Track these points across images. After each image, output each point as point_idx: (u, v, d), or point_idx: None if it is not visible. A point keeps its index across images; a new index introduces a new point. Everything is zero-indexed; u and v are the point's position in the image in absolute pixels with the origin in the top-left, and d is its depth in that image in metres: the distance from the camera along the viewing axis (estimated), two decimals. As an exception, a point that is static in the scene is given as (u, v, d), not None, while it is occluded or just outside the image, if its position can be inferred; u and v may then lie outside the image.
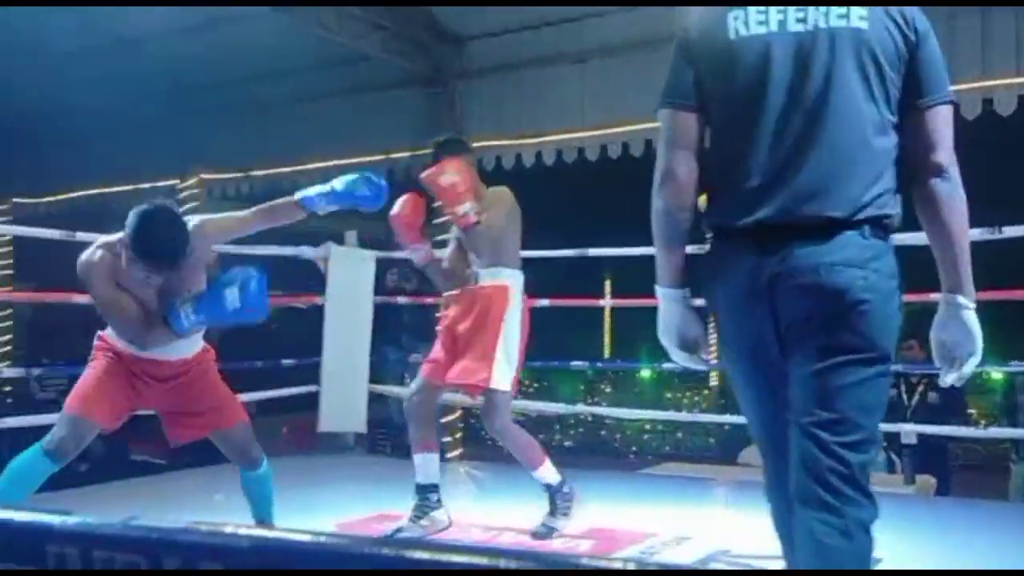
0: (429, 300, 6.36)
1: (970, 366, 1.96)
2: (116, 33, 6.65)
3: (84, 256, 3.07)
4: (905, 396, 6.27)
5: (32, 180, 9.46)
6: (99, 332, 3.22)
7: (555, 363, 7.44)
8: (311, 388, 5.87)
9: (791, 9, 1.89)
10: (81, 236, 4.66)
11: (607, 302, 7.83)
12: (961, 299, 1.94)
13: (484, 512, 4.47)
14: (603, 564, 0.44)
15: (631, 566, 0.44)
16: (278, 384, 6.01)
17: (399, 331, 6.33)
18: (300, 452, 7.07)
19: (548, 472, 3.87)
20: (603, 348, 14.96)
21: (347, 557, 0.40)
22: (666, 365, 8.18)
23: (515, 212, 3.91)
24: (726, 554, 3.61)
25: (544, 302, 5.58)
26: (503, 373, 3.69)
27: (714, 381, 11.76)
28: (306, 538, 0.40)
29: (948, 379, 2.01)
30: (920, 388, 6.26)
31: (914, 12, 1.91)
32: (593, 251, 5.59)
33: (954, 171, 1.91)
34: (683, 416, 8.35)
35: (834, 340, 1.86)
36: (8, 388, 8.23)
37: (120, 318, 3.00)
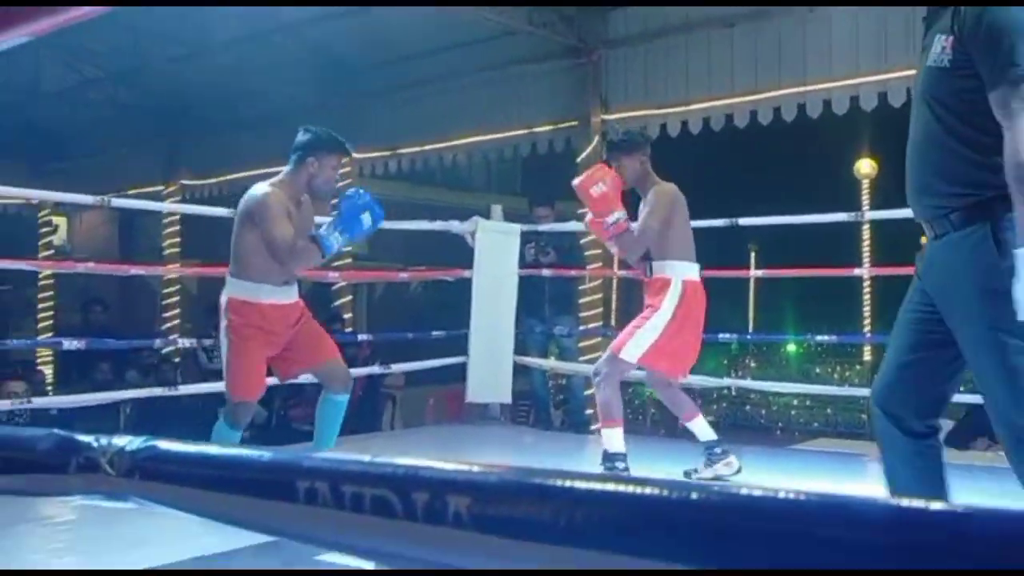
0: (572, 272, 6.39)
1: None
2: (275, 19, 6.94)
3: (258, 193, 3.51)
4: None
5: (198, 163, 10.03)
6: (226, 299, 3.58)
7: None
8: (459, 359, 6.00)
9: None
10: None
11: (753, 273, 7.63)
12: None
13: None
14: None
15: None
16: (426, 356, 6.18)
17: (542, 304, 6.38)
18: (446, 422, 7.27)
19: (611, 440, 4.07)
20: (748, 320, 14.64)
21: (577, 492, 0.43)
22: (818, 338, 7.97)
23: (674, 209, 4.04)
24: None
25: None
26: (635, 347, 3.94)
27: (867, 356, 11.32)
28: (550, 475, 0.43)
29: None
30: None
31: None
32: (744, 220, 5.44)
33: None
34: (836, 390, 8.08)
35: None
36: (177, 360, 8.78)
37: (286, 245, 3.40)
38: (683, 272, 4.02)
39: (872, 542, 0.34)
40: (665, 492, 0.39)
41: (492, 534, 0.42)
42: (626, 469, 4.04)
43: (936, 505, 0.35)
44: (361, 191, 3.54)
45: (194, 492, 0.57)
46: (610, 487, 0.42)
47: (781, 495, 0.37)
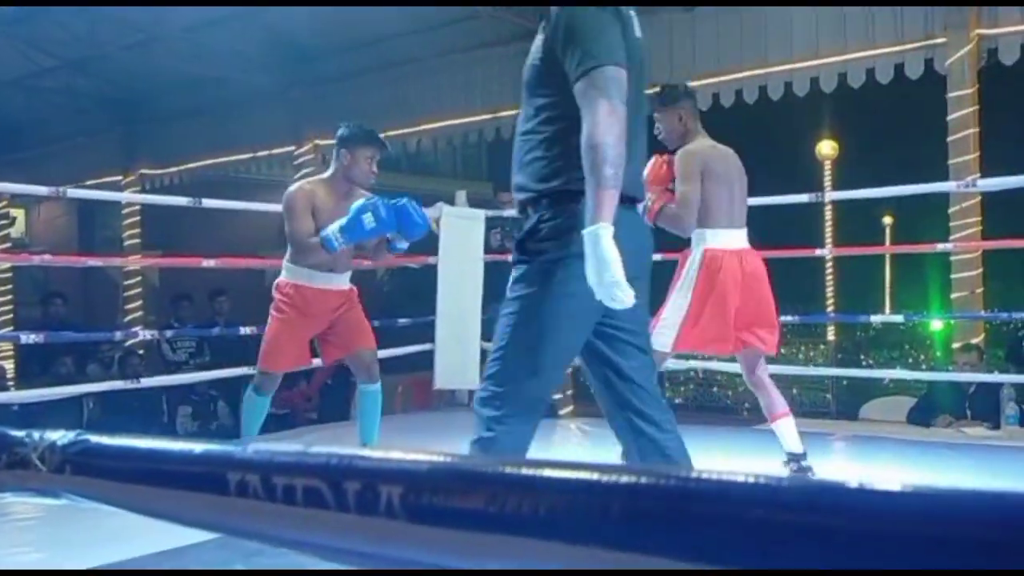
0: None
1: None
2: (231, 5, 6.83)
3: (288, 189, 3.96)
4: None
5: (157, 151, 9.88)
6: (277, 281, 3.95)
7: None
8: (426, 347, 5.98)
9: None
10: (207, 203, 4.83)
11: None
12: None
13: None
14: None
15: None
16: (393, 343, 6.15)
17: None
18: (415, 409, 7.25)
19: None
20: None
21: (512, 478, 0.42)
22: (782, 318, 8.03)
23: (704, 169, 3.55)
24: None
25: (656, 256, 5.52)
26: (659, 336, 3.47)
27: (831, 335, 11.45)
28: (482, 462, 0.42)
29: None
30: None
31: None
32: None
33: None
34: (799, 370, 8.15)
35: None
36: (142, 351, 8.67)
37: (299, 238, 3.77)
38: (707, 240, 3.57)
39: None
40: (602, 477, 0.38)
41: (425, 524, 0.41)
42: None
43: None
44: (377, 200, 3.71)
45: (125, 487, 0.56)
46: (545, 473, 0.41)
47: (705, 476, 0.36)
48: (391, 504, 0.41)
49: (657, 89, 3.68)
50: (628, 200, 2.12)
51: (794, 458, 3.74)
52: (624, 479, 0.37)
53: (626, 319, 2.17)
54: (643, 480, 0.37)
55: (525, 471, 0.41)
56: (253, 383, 4.00)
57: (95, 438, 0.59)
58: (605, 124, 1.97)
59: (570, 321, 2.14)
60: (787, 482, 0.36)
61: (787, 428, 3.77)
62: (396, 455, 0.44)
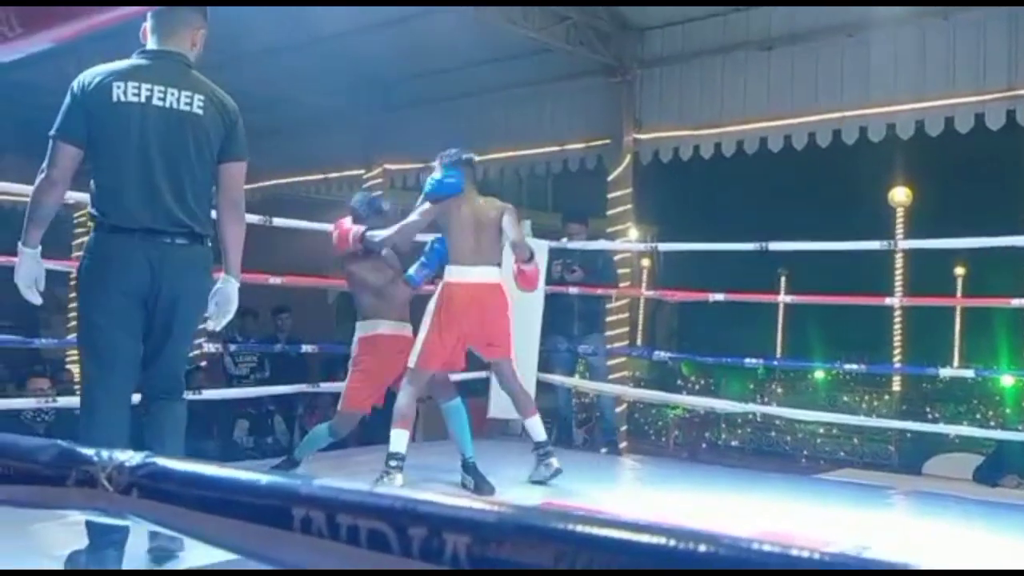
0: (598, 291, 6.35)
1: None
2: (313, 29, 6.98)
3: None
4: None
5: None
6: (358, 337, 4.59)
7: (726, 359, 7.26)
8: (482, 374, 5.97)
9: (156, 88, 2.84)
10: (278, 222, 4.92)
11: (783, 298, 7.54)
12: None
13: (649, 505, 4.43)
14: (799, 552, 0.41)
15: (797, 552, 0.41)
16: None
17: (571, 322, 6.34)
18: (469, 436, 7.23)
19: (397, 440, 4.26)
20: (776, 345, 14.51)
21: (585, 537, 0.40)
22: (846, 366, 7.87)
23: (428, 212, 4.47)
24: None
25: (719, 296, 5.46)
26: (411, 355, 4.36)
27: (896, 386, 11.16)
28: (553, 519, 0.41)
29: None
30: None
31: (230, 101, 3.02)
32: (774, 245, 5.37)
33: (240, 200, 3.08)
34: (862, 420, 7.96)
35: None
36: (204, 363, 8.83)
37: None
38: (448, 275, 4.40)
39: None
40: (664, 540, 0.36)
41: (490, 577, 0.40)
42: (399, 468, 4.20)
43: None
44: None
45: (189, 513, 0.56)
46: (611, 533, 0.39)
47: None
48: (456, 555, 0.41)
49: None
50: (113, 228, 2.82)
51: (540, 446, 4.56)
52: (701, 548, 0.36)
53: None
54: (720, 551, 0.35)
55: (593, 530, 0.40)
56: (331, 423, 4.51)
57: (163, 461, 0.59)
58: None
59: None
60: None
61: (535, 423, 4.62)
62: (462, 503, 0.43)
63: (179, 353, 3.02)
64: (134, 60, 2.90)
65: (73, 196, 4.22)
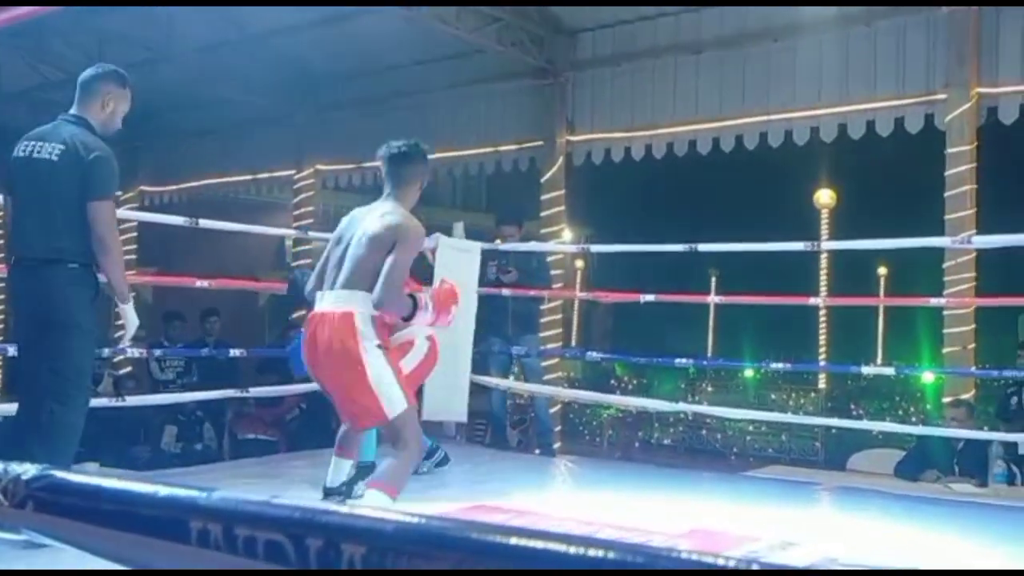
0: (531, 292, 6.37)
1: None
2: (244, 29, 6.87)
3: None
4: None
5: (158, 170, 9.89)
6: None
7: (657, 359, 7.34)
8: (416, 377, 5.93)
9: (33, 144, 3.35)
10: (205, 223, 4.83)
11: (713, 298, 7.66)
12: None
13: (581, 506, 4.46)
14: (708, 561, 0.42)
15: (732, 564, 0.42)
16: (383, 371, 6.10)
17: (505, 323, 6.34)
18: (403, 439, 7.19)
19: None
20: (707, 345, 14.74)
21: (484, 545, 0.40)
22: (773, 365, 8.04)
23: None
24: (833, 561, 3.50)
25: (651, 297, 5.52)
26: None
27: (822, 383, 11.42)
28: (450, 525, 0.41)
29: None
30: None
31: (90, 146, 3.30)
32: (703, 246, 5.42)
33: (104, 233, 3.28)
34: (789, 418, 8.13)
35: None
36: (129, 368, 8.62)
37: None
38: None
39: None
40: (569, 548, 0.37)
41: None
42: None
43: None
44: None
45: (85, 527, 0.54)
46: (512, 541, 0.39)
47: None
48: (352, 563, 0.40)
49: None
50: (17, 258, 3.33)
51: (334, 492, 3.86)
52: (591, 552, 0.36)
53: None
54: (610, 555, 0.36)
55: (494, 538, 0.40)
56: None
57: (60, 474, 0.58)
58: None
59: None
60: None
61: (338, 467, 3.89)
62: (359, 513, 0.43)
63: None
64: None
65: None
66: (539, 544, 0.39)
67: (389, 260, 3.30)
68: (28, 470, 0.59)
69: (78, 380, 3.33)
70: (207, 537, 0.46)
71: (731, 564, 0.37)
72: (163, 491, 0.51)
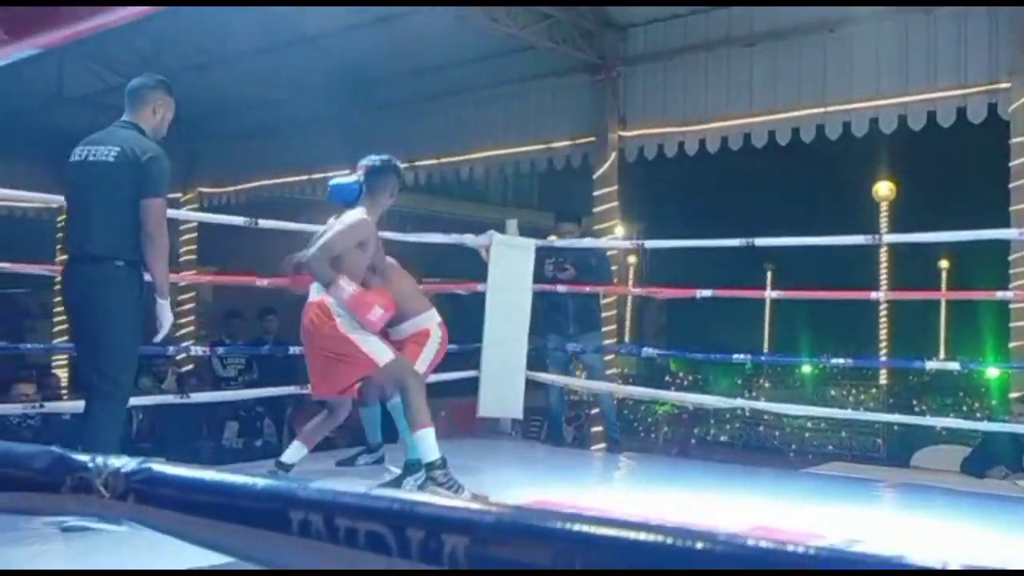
0: (587, 289, 6.35)
1: None
2: (296, 31, 6.97)
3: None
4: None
5: (216, 170, 10.07)
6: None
7: (714, 355, 7.27)
8: (471, 373, 5.97)
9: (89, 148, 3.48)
10: (263, 223, 4.91)
11: (770, 293, 7.57)
12: None
13: (643, 503, 4.44)
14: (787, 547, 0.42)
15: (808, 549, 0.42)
16: (440, 368, 6.14)
17: (566, 321, 6.31)
18: (458, 435, 7.24)
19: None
20: (763, 341, 14.56)
21: (579, 536, 0.41)
22: (834, 360, 7.91)
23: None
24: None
25: (706, 292, 5.47)
26: None
27: (883, 379, 11.22)
28: (551, 519, 0.41)
29: None
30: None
31: (145, 147, 3.44)
32: (760, 241, 5.35)
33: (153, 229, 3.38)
34: (851, 414, 7.99)
35: None
36: (192, 366, 8.79)
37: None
38: None
39: None
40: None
41: (488, 576, 0.40)
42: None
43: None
44: None
45: (186, 518, 0.56)
46: (606, 531, 0.40)
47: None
48: (455, 554, 0.41)
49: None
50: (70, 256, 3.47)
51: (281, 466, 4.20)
52: (699, 545, 0.36)
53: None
54: (705, 545, 0.36)
55: (591, 528, 0.40)
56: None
57: (159, 467, 0.59)
58: None
59: None
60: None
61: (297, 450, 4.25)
62: (459, 504, 0.44)
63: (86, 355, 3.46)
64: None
65: (54, 199, 4.32)
66: (640, 536, 0.39)
67: (328, 234, 3.96)
68: (127, 463, 0.61)
69: (118, 377, 3.38)
70: (308, 527, 0.47)
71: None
72: (261, 483, 0.52)
